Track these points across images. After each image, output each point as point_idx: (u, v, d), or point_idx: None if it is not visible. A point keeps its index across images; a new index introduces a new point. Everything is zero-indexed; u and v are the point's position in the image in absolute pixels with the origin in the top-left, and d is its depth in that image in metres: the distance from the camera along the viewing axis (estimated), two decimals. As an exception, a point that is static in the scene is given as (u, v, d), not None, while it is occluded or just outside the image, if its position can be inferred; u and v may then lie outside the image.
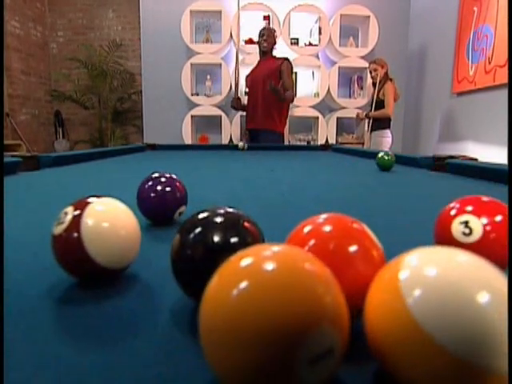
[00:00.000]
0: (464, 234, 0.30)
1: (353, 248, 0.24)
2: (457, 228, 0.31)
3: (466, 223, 0.30)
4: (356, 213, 0.50)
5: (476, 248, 0.29)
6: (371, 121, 3.05)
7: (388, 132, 3.03)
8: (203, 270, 0.24)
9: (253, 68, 2.98)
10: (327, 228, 0.25)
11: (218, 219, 0.26)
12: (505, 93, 2.81)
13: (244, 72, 3.70)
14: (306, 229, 0.26)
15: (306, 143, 3.72)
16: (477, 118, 3.14)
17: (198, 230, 0.26)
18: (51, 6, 4.72)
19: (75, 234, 0.28)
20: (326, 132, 3.72)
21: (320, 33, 3.60)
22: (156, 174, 0.52)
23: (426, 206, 0.70)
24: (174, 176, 0.53)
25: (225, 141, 3.67)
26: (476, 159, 1.16)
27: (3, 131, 3.84)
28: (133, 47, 4.71)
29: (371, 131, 3.07)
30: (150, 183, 0.51)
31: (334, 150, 2.36)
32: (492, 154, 2.86)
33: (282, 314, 0.16)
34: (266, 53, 2.86)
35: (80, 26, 4.75)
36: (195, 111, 3.67)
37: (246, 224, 0.27)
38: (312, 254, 0.20)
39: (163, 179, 0.51)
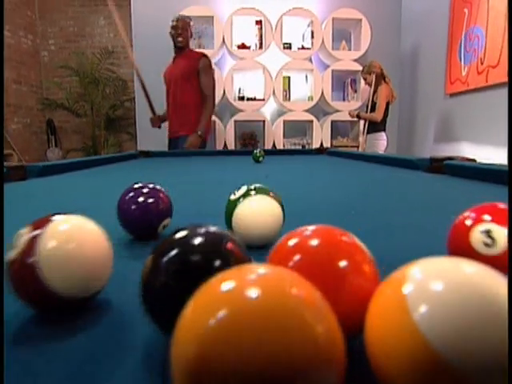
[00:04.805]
0: (486, 244, 0.26)
1: (343, 263, 0.21)
2: (477, 238, 0.27)
3: (487, 232, 0.26)
4: (358, 217, 0.47)
5: (499, 261, 0.25)
6: (366, 123, 3.04)
7: (383, 135, 3.02)
8: (177, 300, 0.20)
9: (169, 64, 2.64)
10: (314, 242, 0.22)
11: (197, 240, 0.23)
12: (498, 93, 2.82)
13: (238, 78, 3.69)
14: (291, 242, 0.23)
15: (300, 147, 3.70)
16: (471, 118, 3.13)
17: (174, 252, 0.23)
18: (42, 13, 4.69)
19: (31, 259, 0.24)
20: (321, 135, 3.70)
21: (312, 36, 3.60)
22: (138, 185, 0.49)
23: (430, 209, 0.67)
24: (158, 186, 0.50)
25: (219, 147, 3.64)
26: (474, 160, 1.14)
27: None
28: (125, 54, 4.68)
29: (366, 134, 3.06)
30: (131, 194, 0.47)
31: (330, 153, 2.34)
32: (487, 155, 2.85)
33: (268, 355, 0.13)
34: (182, 48, 2.51)
35: (71, 34, 4.72)
36: (189, 117, 3.64)
37: (229, 246, 0.23)
38: (301, 277, 0.17)
39: (146, 190, 0.48)
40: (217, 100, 3.60)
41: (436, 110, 3.63)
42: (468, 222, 0.28)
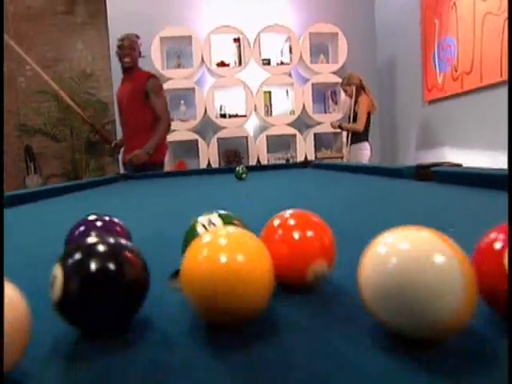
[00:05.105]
0: None
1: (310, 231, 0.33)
2: None
3: None
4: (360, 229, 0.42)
5: None
6: (349, 134, 3.06)
7: (366, 144, 3.03)
8: (82, 299, 0.25)
9: (119, 85, 2.54)
10: (292, 221, 0.34)
11: (101, 248, 0.27)
12: (473, 98, 2.88)
13: (219, 96, 3.69)
14: (275, 220, 0.35)
15: (285, 161, 3.69)
16: (450, 124, 3.19)
17: (78, 256, 0.26)
18: (18, 40, 4.63)
19: None
20: (305, 148, 3.70)
21: (291, 51, 3.65)
22: (92, 217, 0.43)
23: (424, 221, 0.63)
24: (116, 219, 0.44)
25: (203, 165, 3.60)
26: (460, 165, 1.12)
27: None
28: (104, 76, 4.64)
29: (350, 144, 3.07)
30: (82, 229, 0.41)
31: (315, 166, 2.32)
32: (469, 159, 2.88)
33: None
34: (129, 68, 2.38)
35: (49, 59, 4.67)
36: (171, 137, 3.59)
37: (127, 254, 0.27)
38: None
39: (99, 223, 0.42)
40: (198, 118, 3.59)
41: (416, 117, 3.69)
42: (499, 244, 0.25)
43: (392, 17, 3.93)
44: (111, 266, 0.25)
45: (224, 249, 0.25)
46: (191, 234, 0.35)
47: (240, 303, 0.24)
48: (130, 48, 2.35)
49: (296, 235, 0.32)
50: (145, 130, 2.37)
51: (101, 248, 0.26)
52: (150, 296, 0.28)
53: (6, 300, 0.20)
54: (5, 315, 0.20)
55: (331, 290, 0.33)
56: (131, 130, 2.43)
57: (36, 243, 0.64)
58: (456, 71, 3.03)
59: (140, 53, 2.45)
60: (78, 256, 0.26)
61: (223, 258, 0.24)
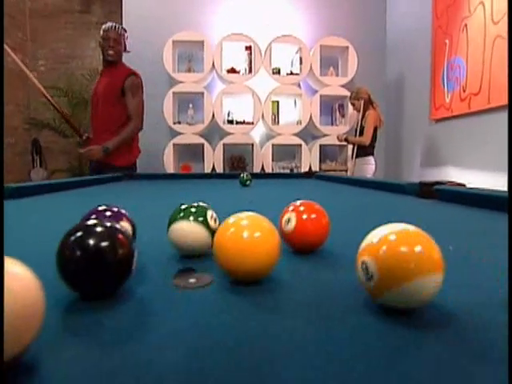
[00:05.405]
0: None
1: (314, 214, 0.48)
2: None
3: None
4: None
5: None
6: (355, 147, 3.07)
7: (371, 159, 3.04)
8: (80, 268, 0.31)
9: (97, 79, 2.38)
10: (302, 207, 0.49)
11: (98, 228, 0.33)
12: (481, 119, 2.88)
13: (227, 102, 3.72)
14: (290, 207, 0.50)
15: (289, 171, 3.70)
16: (456, 143, 3.19)
17: (78, 234, 0.32)
18: (33, 35, 4.71)
19: None
20: (310, 159, 3.72)
21: (301, 62, 3.68)
22: (102, 207, 0.48)
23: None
24: (123, 211, 0.49)
25: (208, 169, 3.61)
26: (464, 185, 1.13)
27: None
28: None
29: (355, 158, 3.08)
30: (94, 217, 0.45)
31: (318, 177, 2.33)
32: (473, 179, 2.88)
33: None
34: (111, 62, 2.24)
35: (62, 56, 4.73)
36: (177, 140, 3.62)
37: (119, 236, 0.33)
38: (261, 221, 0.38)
39: (108, 213, 0.47)
40: (206, 122, 3.61)
41: (422, 134, 3.70)
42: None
43: (403, 34, 3.97)
44: (106, 243, 0.32)
45: (245, 228, 0.35)
46: (174, 216, 0.46)
47: (255, 265, 0.35)
48: (115, 41, 2.20)
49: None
50: (114, 128, 2.22)
51: (99, 229, 0.33)
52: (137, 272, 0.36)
53: (23, 285, 0.21)
54: (21, 300, 0.20)
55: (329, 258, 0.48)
56: (100, 126, 2.26)
57: (52, 228, 0.65)
58: (464, 91, 3.05)
59: (125, 47, 2.31)
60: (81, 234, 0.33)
61: (245, 234, 0.35)
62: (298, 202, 0.49)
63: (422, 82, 3.65)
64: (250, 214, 0.38)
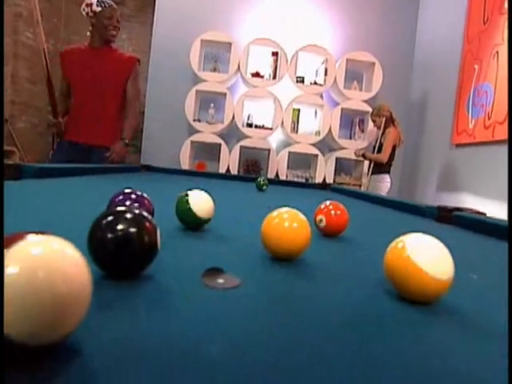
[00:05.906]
0: None
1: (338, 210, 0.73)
2: None
3: None
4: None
5: None
6: (372, 164, 3.05)
7: (387, 177, 3.02)
8: (110, 248, 0.35)
9: (78, 55, 2.15)
10: (333, 208, 0.73)
11: (128, 215, 0.37)
12: (504, 149, 2.84)
13: (248, 105, 3.74)
14: (322, 205, 0.74)
15: (303, 180, 3.69)
16: (475, 170, 3.14)
17: (110, 218, 0.36)
18: (67, 22, 4.82)
19: None
20: (325, 171, 3.70)
21: (326, 74, 3.68)
22: (128, 190, 0.55)
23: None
24: (145, 194, 0.57)
25: (222, 169, 3.63)
26: (484, 214, 1.11)
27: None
28: (141, 69, 4.76)
29: (371, 174, 3.06)
30: (121, 197, 0.54)
31: (333, 189, 2.31)
32: (489, 208, 2.83)
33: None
34: (109, 42, 2.13)
35: (92, 44, 4.83)
36: (195, 137, 3.65)
37: (147, 224, 0.37)
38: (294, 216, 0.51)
39: (133, 196, 0.55)
40: (225, 123, 3.64)
41: (441, 158, 3.65)
42: None
43: (431, 55, 3.94)
44: (135, 229, 0.36)
45: (286, 219, 0.49)
46: (180, 203, 0.62)
47: (293, 248, 0.49)
48: (119, 22, 2.13)
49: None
50: (117, 115, 2.13)
51: (128, 215, 0.37)
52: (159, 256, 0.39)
53: (76, 261, 0.22)
54: (72, 280, 0.21)
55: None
56: (99, 116, 2.10)
57: (84, 207, 0.67)
58: (489, 119, 3.00)
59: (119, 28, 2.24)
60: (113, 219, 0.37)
61: (286, 224, 0.49)
62: (328, 202, 0.73)
63: (445, 104, 3.61)
64: (289, 209, 0.51)
